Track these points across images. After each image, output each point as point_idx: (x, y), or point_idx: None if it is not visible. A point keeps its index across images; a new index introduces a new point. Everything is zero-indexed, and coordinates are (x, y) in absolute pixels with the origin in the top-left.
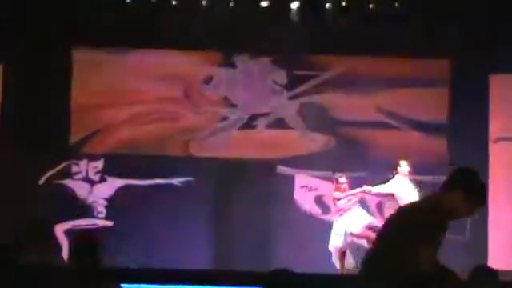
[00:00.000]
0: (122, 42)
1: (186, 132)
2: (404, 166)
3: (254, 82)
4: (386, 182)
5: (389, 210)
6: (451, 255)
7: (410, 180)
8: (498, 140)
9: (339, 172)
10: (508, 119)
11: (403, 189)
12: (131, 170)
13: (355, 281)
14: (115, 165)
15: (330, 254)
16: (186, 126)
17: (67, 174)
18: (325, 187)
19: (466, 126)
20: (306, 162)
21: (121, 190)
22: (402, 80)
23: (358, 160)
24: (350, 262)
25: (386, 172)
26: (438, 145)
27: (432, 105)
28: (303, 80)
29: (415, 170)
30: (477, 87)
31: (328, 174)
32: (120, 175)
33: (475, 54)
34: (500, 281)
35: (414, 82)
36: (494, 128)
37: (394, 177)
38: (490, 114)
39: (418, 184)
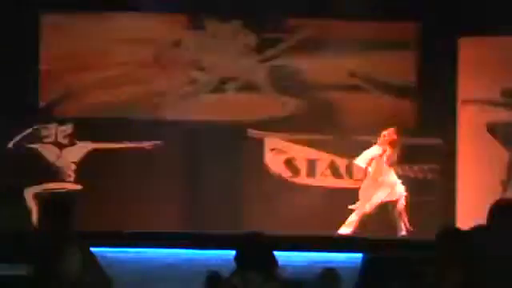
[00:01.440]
0: (92, 5)
1: (156, 95)
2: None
3: (223, 45)
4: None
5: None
6: (420, 216)
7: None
8: (466, 102)
9: (308, 134)
10: (476, 82)
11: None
12: (101, 133)
13: (324, 242)
14: (85, 128)
15: (301, 215)
16: (155, 90)
17: (36, 137)
18: (295, 150)
19: (435, 89)
20: (276, 126)
21: (90, 154)
22: (373, 42)
23: (328, 123)
24: None
25: (355, 135)
26: (407, 107)
27: (401, 67)
28: (274, 43)
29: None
30: (446, 50)
31: (298, 136)
32: (90, 139)
33: (444, 17)
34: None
35: (384, 44)
36: (463, 91)
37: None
38: (458, 76)
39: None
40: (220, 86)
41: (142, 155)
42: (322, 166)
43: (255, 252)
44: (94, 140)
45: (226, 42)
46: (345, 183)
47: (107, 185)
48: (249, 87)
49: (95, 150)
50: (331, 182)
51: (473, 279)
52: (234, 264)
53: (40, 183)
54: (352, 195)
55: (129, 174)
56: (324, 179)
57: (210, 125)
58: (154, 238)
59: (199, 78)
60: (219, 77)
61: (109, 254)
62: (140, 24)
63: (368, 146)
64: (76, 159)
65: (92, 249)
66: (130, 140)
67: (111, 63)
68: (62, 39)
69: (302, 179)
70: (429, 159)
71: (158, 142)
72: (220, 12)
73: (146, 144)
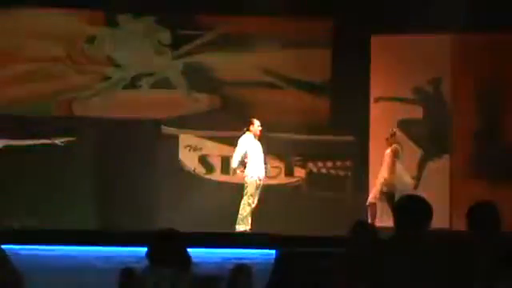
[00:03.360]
0: (4, 0)
1: (69, 92)
2: (256, 125)
3: (138, 41)
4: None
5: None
6: (332, 214)
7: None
8: (378, 100)
9: (222, 131)
10: (388, 79)
11: (251, 147)
12: (13, 130)
13: (238, 239)
14: None
15: (216, 212)
16: (68, 86)
17: None
18: (209, 147)
19: (348, 86)
20: (190, 122)
21: (3, 151)
22: (286, 40)
23: (242, 120)
24: None
25: (269, 132)
26: (321, 104)
27: (315, 65)
28: (188, 40)
29: (297, 130)
30: (358, 48)
31: (212, 133)
32: (2, 136)
33: (357, 15)
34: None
35: (297, 42)
36: (375, 88)
37: (243, 134)
38: (370, 74)
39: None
40: (134, 83)
41: (54, 152)
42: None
43: (168, 248)
44: (6, 137)
45: (140, 39)
46: None
47: (18, 182)
48: (163, 84)
49: (8, 147)
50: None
51: (382, 279)
52: (146, 261)
53: None
54: (266, 192)
55: (41, 170)
56: (237, 176)
57: (125, 121)
58: (69, 235)
59: (113, 75)
60: (133, 73)
61: (21, 252)
62: (54, 20)
63: (280, 142)
64: None
65: (3, 247)
66: (43, 137)
67: (24, 59)
68: None
69: (217, 175)
70: (341, 156)
71: (71, 139)
72: (134, 9)
73: (59, 140)
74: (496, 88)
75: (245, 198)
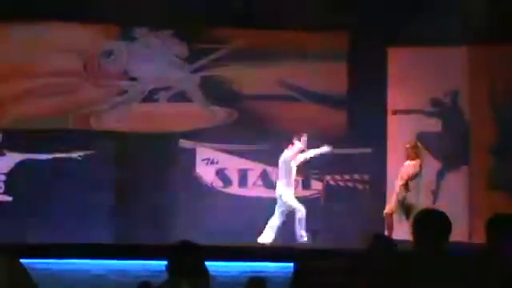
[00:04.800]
0: (19, 14)
1: (86, 105)
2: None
3: (154, 55)
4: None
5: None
6: (350, 227)
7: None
8: (395, 112)
9: (239, 144)
10: (405, 92)
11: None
12: (31, 144)
13: (257, 254)
14: (14, 139)
15: (233, 225)
16: (85, 100)
17: None
18: (226, 160)
19: (365, 99)
20: (207, 136)
21: (20, 165)
22: (302, 53)
23: (259, 133)
24: None
25: (287, 145)
26: (338, 117)
27: (332, 78)
28: (204, 53)
29: (314, 143)
30: (375, 60)
31: (230, 146)
32: (19, 150)
33: (373, 28)
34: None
35: (313, 55)
36: (392, 101)
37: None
38: (387, 86)
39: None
40: (151, 96)
41: (72, 166)
42: (253, 176)
43: (186, 262)
44: (24, 151)
45: (158, 53)
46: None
47: (37, 196)
48: (180, 97)
49: (25, 161)
50: (263, 192)
51: None
52: (165, 274)
53: None
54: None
55: (58, 184)
56: (256, 189)
57: (142, 135)
58: (84, 249)
59: (130, 88)
60: (150, 87)
61: (38, 266)
62: (70, 34)
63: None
64: (5, 170)
65: (21, 260)
66: (60, 151)
67: (41, 73)
68: None
69: (234, 189)
70: (359, 169)
71: (89, 153)
72: (150, 22)
73: (76, 154)
74: None
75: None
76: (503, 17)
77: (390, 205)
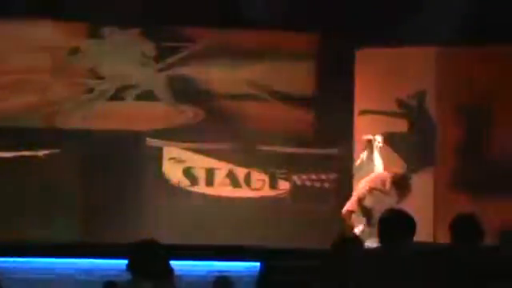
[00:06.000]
0: None
1: (52, 104)
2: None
3: (122, 54)
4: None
5: None
6: (317, 227)
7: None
8: (363, 113)
9: (207, 143)
10: (373, 92)
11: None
12: None
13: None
14: None
15: (200, 226)
16: (51, 98)
17: None
18: (194, 159)
19: (333, 99)
20: (175, 135)
21: None
22: (271, 53)
23: (227, 132)
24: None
25: (254, 144)
26: (306, 117)
27: (300, 78)
28: (172, 52)
29: (281, 142)
30: (343, 61)
31: (197, 145)
32: None
33: (342, 29)
34: None
35: (282, 54)
36: (360, 101)
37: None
38: (355, 87)
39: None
40: (118, 95)
41: (37, 164)
42: (220, 175)
43: (149, 261)
44: None
45: (125, 51)
46: (243, 192)
47: (1, 194)
48: (147, 96)
49: None
50: (229, 192)
51: None
52: (128, 274)
53: None
54: (250, 204)
55: (23, 183)
56: (222, 188)
57: (108, 133)
58: (49, 247)
59: (97, 87)
60: (117, 85)
61: (3, 265)
62: (37, 31)
63: (266, 155)
64: None
65: None
66: (26, 149)
67: (6, 71)
68: None
69: (201, 188)
70: (326, 169)
71: (54, 151)
72: (119, 21)
73: (42, 153)
74: (481, 101)
75: None
76: (471, 18)
77: (351, 203)
